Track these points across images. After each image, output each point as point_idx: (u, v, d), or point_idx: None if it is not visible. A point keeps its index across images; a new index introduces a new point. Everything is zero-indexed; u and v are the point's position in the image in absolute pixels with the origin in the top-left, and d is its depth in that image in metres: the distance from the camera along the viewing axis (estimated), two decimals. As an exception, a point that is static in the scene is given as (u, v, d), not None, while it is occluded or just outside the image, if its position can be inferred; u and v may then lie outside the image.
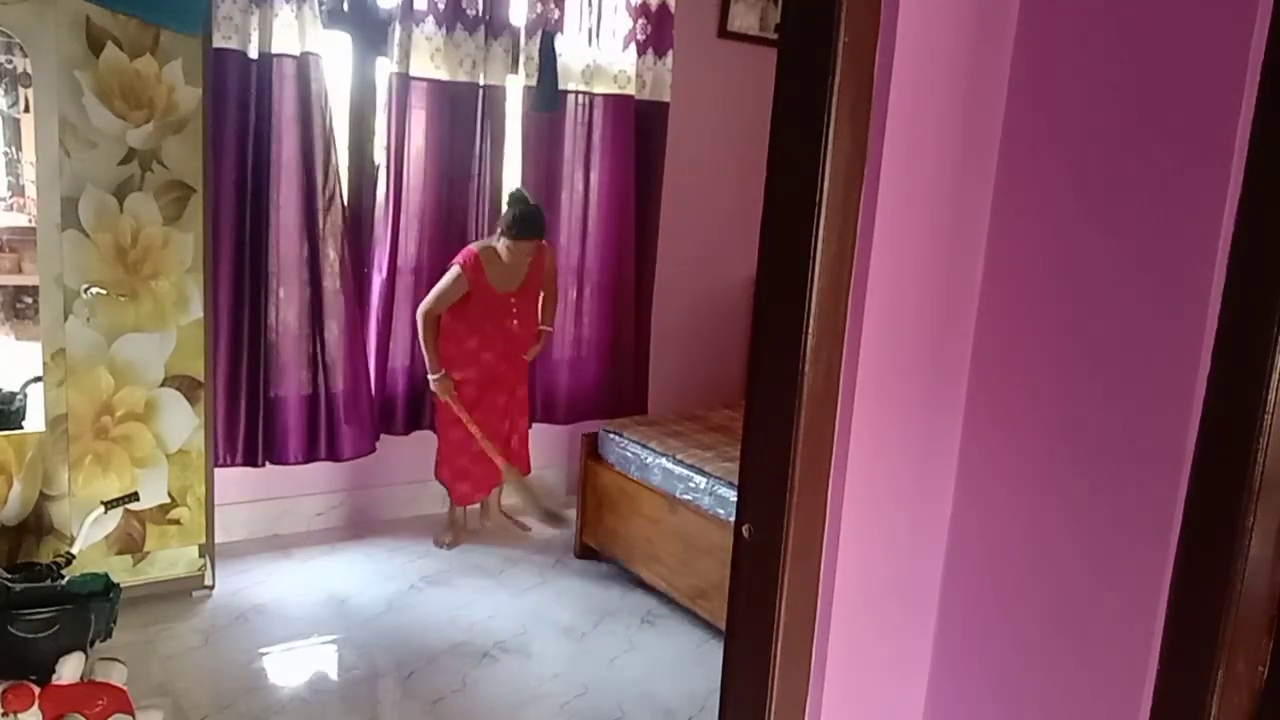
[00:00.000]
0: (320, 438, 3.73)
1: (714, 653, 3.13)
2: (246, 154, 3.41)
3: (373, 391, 3.85)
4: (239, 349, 3.50)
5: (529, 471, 3.98)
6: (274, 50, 3.37)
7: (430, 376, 3.72)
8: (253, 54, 3.34)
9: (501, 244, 3.63)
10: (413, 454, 4.00)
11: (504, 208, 3.75)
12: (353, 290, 3.71)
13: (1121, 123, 1.35)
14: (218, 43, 3.23)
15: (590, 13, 4.00)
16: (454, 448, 3.80)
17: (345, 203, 3.67)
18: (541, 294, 3.91)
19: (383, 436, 3.94)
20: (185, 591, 3.31)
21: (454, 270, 3.64)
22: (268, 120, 3.42)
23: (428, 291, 3.86)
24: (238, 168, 3.40)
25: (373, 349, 3.86)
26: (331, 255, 3.63)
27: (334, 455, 3.78)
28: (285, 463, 3.69)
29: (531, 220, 3.62)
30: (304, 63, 3.43)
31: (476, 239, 3.96)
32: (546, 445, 4.24)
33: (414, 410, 3.98)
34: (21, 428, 3.09)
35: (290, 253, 3.56)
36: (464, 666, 3.04)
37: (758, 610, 1.56)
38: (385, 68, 3.74)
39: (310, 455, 3.74)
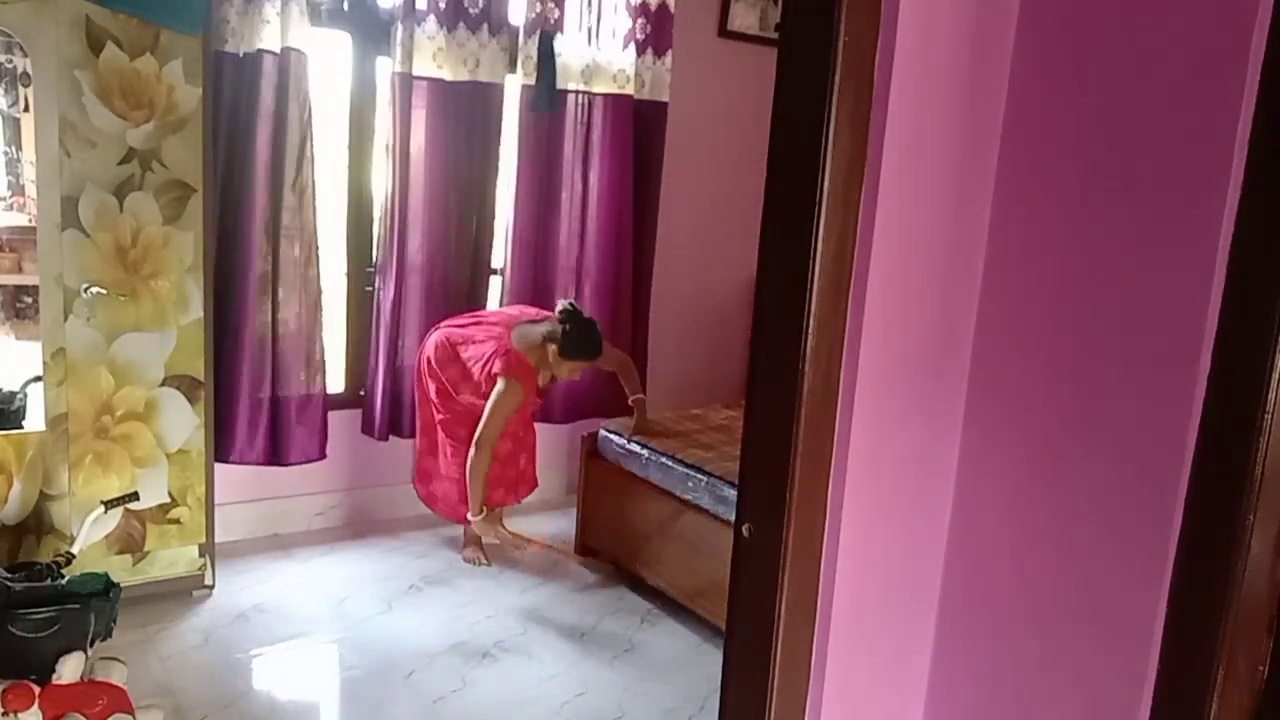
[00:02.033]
0: (269, 440, 3.64)
1: (714, 653, 3.13)
2: (230, 152, 3.38)
3: (327, 392, 3.75)
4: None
5: (535, 486, 3.87)
6: (256, 47, 3.32)
7: (471, 518, 3.47)
8: (236, 51, 3.31)
9: (553, 354, 3.47)
10: (412, 454, 4.00)
11: (556, 322, 3.50)
12: (316, 290, 3.64)
13: (1121, 123, 1.35)
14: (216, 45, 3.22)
15: (590, 12, 4.00)
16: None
17: (315, 202, 3.58)
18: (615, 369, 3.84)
19: (388, 437, 3.93)
20: (185, 591, 3.31)
21: (507, 384, 3.40)
22: (247, 118, 3.39)
23: (433, 289, 3.84)
24: (220, 166, 3.36)
25: (382, 349, 3.83)
26: (298, 254, 3.55)
27: (280, 459, 3.67)
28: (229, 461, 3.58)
29: (590, 341, 3.50)
30: (284, 59, 3.38)
31: (481, 237, 3.94)
32: (546, 445, 4.23)
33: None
34: (21, 427, 3.09)
35: (259, 252, 3.50)
36: (464, 666, 3.04)
37: (758, 610, 1.56)
38: (386, 67, 3.75)
39: (268, 459, 3.64)
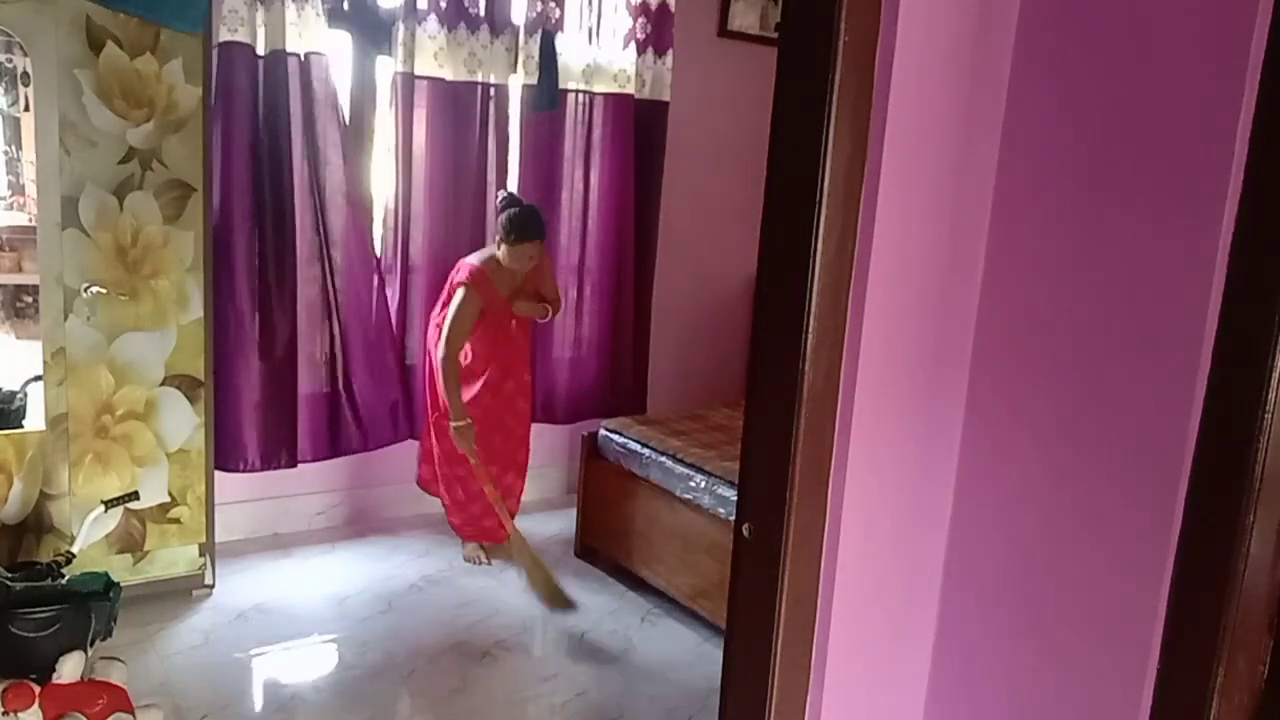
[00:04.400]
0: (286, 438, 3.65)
1: (714, 653, 3.13)
2: (240, 151, 3.39)
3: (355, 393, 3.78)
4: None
5: (516, 509, 3.78)
6: (279, 48, 3.35)
7: (452, 424, 3.44)
8: (261, 50, 3.33)
9: (502, 251, 3.47)
10: (413, 453, 4.00)
11: (497, 213, 3.56)
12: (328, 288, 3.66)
13: (1121, 122, 1.35)
14: (224, 36, 3.23)
15: (590, 12, 4.00)
16: (469, 497, 3.67)
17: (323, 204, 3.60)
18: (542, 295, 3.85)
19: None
20: (185, 590, 3.31)
21: (463, 291, 3.43)
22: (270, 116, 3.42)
23: (437, 289, 3.84)
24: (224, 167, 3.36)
25: (388, 349, 3.84)
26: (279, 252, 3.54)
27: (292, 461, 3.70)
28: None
29: (532, 221, 3.47)
30: (306, 62, 3.42)
31: (484, 236, 3.95)
32: (546, 445, 4.23)
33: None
34: (22, 427, 3.09)
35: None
36: (464, 665, 3.04)
37: (758, 610, 1.56)
38: (386, 67, 3.75)
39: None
